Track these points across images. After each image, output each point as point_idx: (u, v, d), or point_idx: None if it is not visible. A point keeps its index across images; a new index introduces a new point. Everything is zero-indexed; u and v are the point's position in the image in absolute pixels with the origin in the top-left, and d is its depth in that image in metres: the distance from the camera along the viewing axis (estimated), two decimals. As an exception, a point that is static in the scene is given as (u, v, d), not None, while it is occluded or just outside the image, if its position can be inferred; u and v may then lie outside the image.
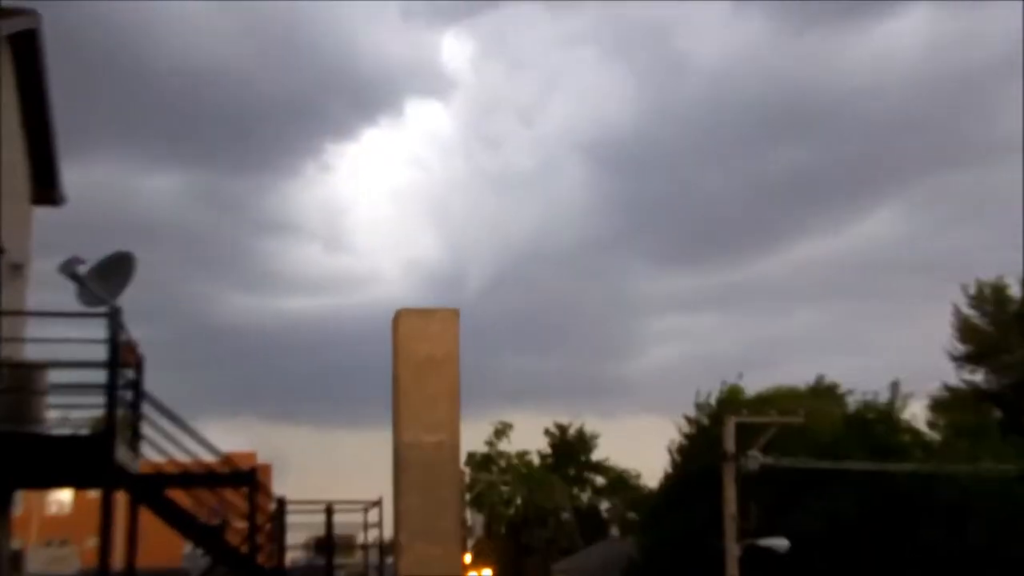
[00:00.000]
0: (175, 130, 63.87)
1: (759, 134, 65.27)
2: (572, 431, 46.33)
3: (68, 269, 8.68)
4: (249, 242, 70.04)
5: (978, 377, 29.98)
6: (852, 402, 25.35)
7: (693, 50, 67.59)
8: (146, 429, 8.99)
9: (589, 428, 46.05)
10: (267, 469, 30.68)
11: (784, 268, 65.40)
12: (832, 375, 27.67)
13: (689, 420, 27.56)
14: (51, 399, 8.13)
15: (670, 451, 28.19)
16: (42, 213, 11.29)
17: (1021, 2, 40.14)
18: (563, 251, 67.06)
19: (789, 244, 67.40)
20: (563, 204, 70.15)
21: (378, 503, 12.33)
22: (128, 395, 8.76)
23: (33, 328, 9.11)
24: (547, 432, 46.19)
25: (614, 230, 68.66)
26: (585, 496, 46.06)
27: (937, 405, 29.11)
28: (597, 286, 68.07)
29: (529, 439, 48.79)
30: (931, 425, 27.41)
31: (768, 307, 64.88)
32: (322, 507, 11.91)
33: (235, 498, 10.14)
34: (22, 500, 26.46)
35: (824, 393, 26.65)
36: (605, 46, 69.95)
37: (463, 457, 17.20)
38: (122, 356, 8.14)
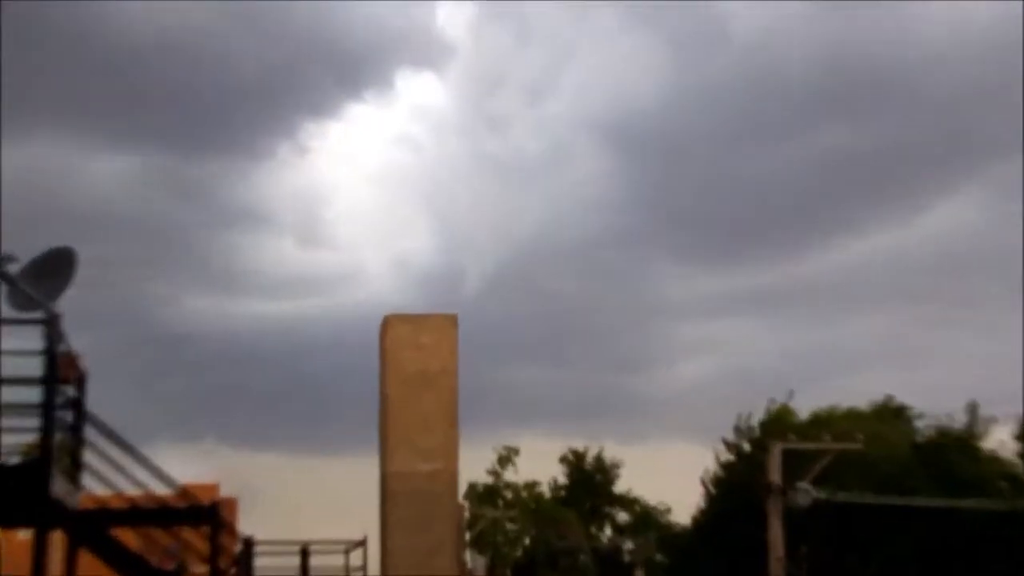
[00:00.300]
0: (127, 105, 63.93)
1: (808, 113, 64.84)
2: (590, 458, 46.24)
3: (-4, 267, 8.62)
4: (212, 235, 69.86)
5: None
6: (922, 427, 25.22)
7: (732, 14, 67.53)
8: (88, 456, 8.91)
9: (610, 455, 45.89)
10: (232, 504, 30.49)
11: (839, 267, 65.00)
12: (898, 394, 27.46)
13: (728, 446, 27.53)
14: (-26, 421, 8.05)
15: (704, 482, 28.16)
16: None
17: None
18: (577, 247, 66.81)
19: (844, 239, 67.00)
20: (577, 193, 69.77)
21: (362, 543, 12.28)
22: (68, 416, 8.67)
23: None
24: (561, 459, 46.03)
25: (637, 223, 68.33)
26: (605, 535, 45.96)
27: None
28: (618, 288, 67.76)
29: (539, 467, 48.56)
30: (1022, 456, 27.22)
31: (820, 313, 64.44)
32: (296, 548, 11.84)
33: (194, 538, 10.04)
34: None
35: (889, 415, 26.51)
36: (628, 10, 69.89)
37: (462, 489, 17.11)
38: (61, 370, 8.05)
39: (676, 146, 68.01)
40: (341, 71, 72.49)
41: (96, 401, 8.74)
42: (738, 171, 66.34)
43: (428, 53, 75.31)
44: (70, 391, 8.43)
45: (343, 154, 79.63)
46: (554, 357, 63.72)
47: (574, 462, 47.00)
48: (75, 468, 8.68)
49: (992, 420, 24.21)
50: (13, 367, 7.61)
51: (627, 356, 63.24)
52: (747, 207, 65.90)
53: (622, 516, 46.39)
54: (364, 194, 77.48)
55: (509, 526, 41.94)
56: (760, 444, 22.40)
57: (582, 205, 69.79)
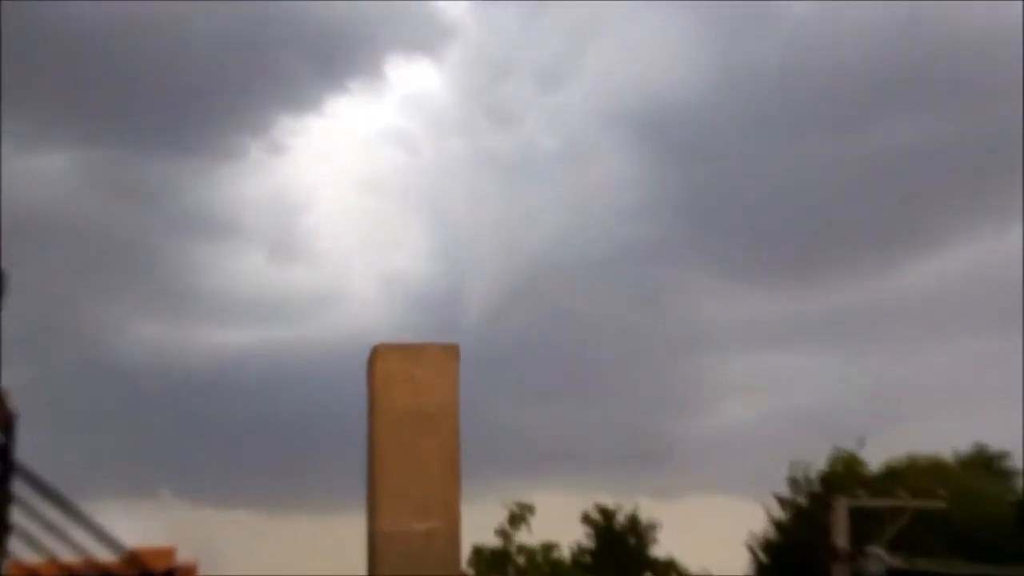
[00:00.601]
0: (69, 93, 64.16)
1: (875, 103, 64.80)
2: (622, 517, 46.03)
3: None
4: (169, 248, 70.34)
5: None
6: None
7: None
8: (17, 515, 8.88)
9: (645, 513, 45.73)
10: (191, 570, 30.54)
11: (915, 286, 64.59)
12: (992, 442, 27.21)
13: (782, 502, 27.53)
14: None
15: (751, 548, 28.02)
16: None
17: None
18: (602, 263, 66.88)
19: (921, 253, 66.76)
20: (600, 198, 70.09)
21: (345, 619, 12.19)
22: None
23: None
24: (584, 518, 45.88)
25: (670, 233, 68.46)
26: (638, 609, 45.67)
27: None
28: (651, 311, 67.79)
29: (558, 527, 48.46)
30: None
31: (896, 342, 64.00)
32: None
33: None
34: None
35: (980, 467, 26.40)
36: (659, -19, 69.79)
37: (465, 552, 17.03)
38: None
39: (718, 143, 67.97)
40: (321, 57, 72.80)
41: (27, 448, 8.70)
42: (795, 172, 66.22)
43: (423, 35, 75.47)
44: (-4, 436, 8.38)
45: (324, 153, 79.73)
46: (575, 395, 63.64)
47: (601, 522, 46.76)
48: (1, 529, 8.63)
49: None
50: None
51: (663, 394, 63.21)
52: (806, 214, 65.82)
53: (658, 586, 46.10)
54: (349, 200, 77.48)
55: (522, 598, 41.76)
56: (822, 500, 22.34)
57: (606, 212, 69.89)
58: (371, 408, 12.63)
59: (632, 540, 45.72)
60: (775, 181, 65.86)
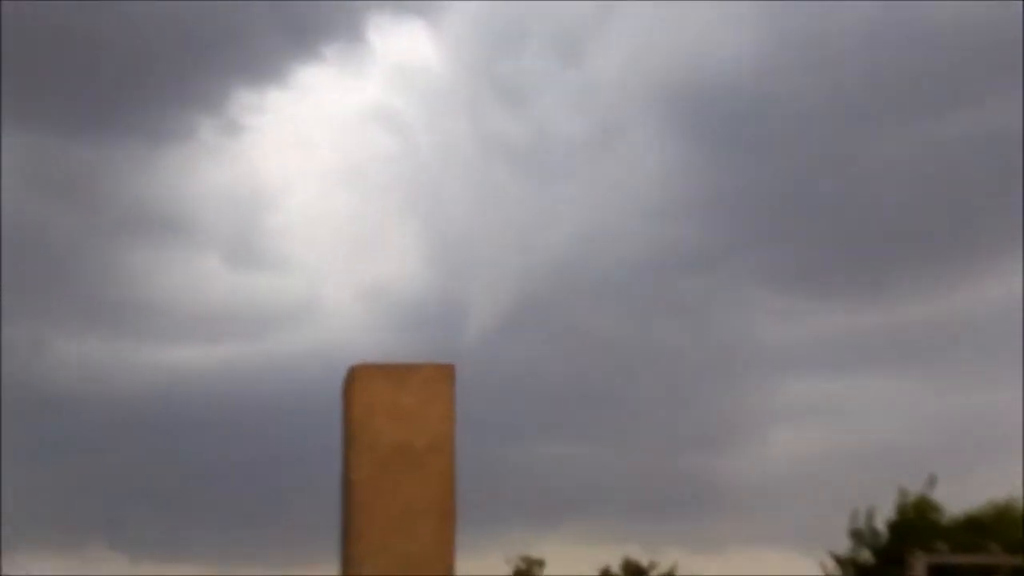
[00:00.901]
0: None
1: (961, 83, 64.51)
2: (655, 575, 45.94)
3: None
4: (102, 250, 70.26)
5: None
6: None
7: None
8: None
9: (683, 570, 45.64)
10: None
11: (1000, 301, 64.32)
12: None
13: (839, 562, 27.50)
14: None
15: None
16: None
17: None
18: (630, 271, 66.66)
19: (1006, 262, 66.39)
20: (631, 193, 69.83)
21: None
22: None
23: None
24: (603, 575, 45.78)
25: (714, 237, 68.22)
26: None
27: None
28: (688, 329, 67.64)
29: (576, 586, 48.43)
30: None
31: (978, 365, 63.84)
32: None
33: None
34: None
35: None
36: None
37: (461, 617, 16.99)
38: None
39: (776, 129, 67.68)
40: (289, 17, 72.64)
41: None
42: (866, 162, 66.01)
43: (415, -9, 75.18)
44: None
45: (293, 136, 79.69)
46: (596, 428, 63.57)
47: (627, 579, 46.62)
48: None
49: None
50: None
51: (702, 427, 63.16)
52: (879, 214, 65.57)
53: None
54: (323, 194, 77.48)
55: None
56: (890, 554, 22.25)
57: (638, 211, 69.74)
58: (347, 442, 12.53)
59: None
60: (844, 174, 65.60)
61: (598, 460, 61.78)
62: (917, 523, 25.57)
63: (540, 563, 43.37)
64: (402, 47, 75.94)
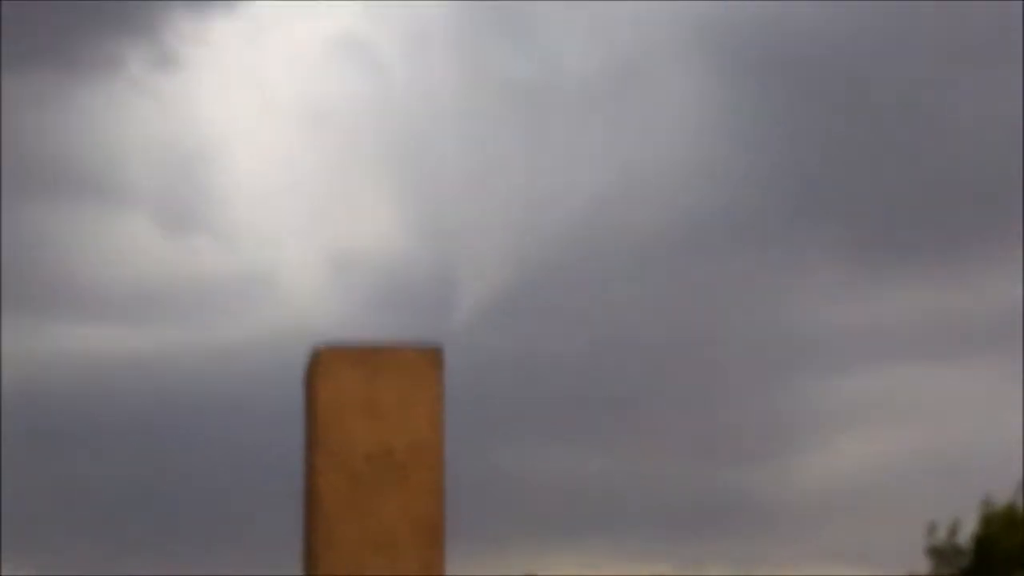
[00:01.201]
0: None
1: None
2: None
3: None
4: (7, 212, 69.94)
5: None
6: None
7: None
8: None
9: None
10: None
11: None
12: None
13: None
14: None
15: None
16: None
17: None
18: (658, 240, 66.15)
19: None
20: (656, 148, 69.41)
21: None
22: None
23: None
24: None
25: (762, 202, 67.73)
26: None
27: None
28: (729, 310, 67.23)
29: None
30: None
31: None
32: None
33: None
34: None
35: None
36: None
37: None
38: None
39: (839, 70, 67.25)
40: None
41: None
42: (951, 112, 65.56)
43: None
44: None
45: (241, 72, 79.34)
46: (614, 428, 63.30)
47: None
48: None
49: None
50: None
51: (745, 429, 62.72)
52: (968, 175, 65.19)
53: None
54: (280, 143, 77.27)
55: None
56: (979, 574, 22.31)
57: (667, 169, 69.19)
58: (311, 447, 12.47)
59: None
60: (920, 131, 65.30)
61: (616, 466, 61.58)
62: (1006, 538, 25.65)
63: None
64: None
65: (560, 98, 70.81)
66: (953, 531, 26.98)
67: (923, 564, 27.31)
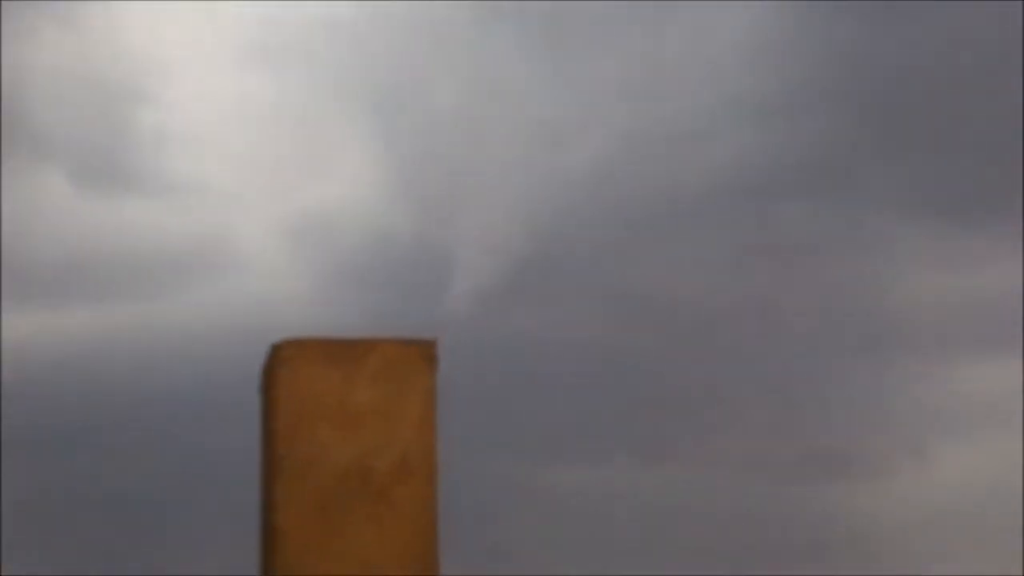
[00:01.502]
0: None
1: None
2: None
3: None
4: None
5: None
6: None
7: None
8: None
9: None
10: None
11: None
12: None
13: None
14: None
15: None
16: None
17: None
18: (694, 197, 66.42)
19: None
20: (694, 80, 69.72)
21: None
22: None
23: None
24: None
25: (834, 142, 68.14)
26: None
27: None
28: (795, 283, 67.65)
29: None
30: None
31: None
32: None
33: None
34: None
35: None
36: None
37: None
38: None
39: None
40: None
41: None
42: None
43: None
44: None
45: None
46: (646, 439, 63.57)
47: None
48: None
49: None
50: None
51: (817, 437, 63.11)
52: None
53: None
54: (228, 80, 77.68)
55: None
56: None
57: (709, 105, 69.61)
58: (271, 464, 12.46)
59: None
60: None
61: (651, 482, 61.92)
62: None
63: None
64: None
65: (574, 23, 71.12)
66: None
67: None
